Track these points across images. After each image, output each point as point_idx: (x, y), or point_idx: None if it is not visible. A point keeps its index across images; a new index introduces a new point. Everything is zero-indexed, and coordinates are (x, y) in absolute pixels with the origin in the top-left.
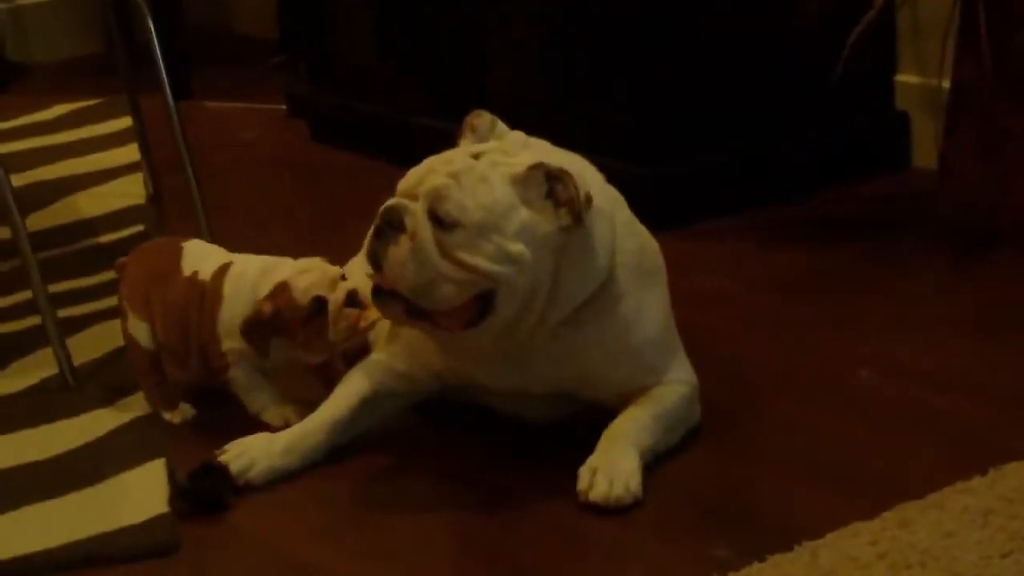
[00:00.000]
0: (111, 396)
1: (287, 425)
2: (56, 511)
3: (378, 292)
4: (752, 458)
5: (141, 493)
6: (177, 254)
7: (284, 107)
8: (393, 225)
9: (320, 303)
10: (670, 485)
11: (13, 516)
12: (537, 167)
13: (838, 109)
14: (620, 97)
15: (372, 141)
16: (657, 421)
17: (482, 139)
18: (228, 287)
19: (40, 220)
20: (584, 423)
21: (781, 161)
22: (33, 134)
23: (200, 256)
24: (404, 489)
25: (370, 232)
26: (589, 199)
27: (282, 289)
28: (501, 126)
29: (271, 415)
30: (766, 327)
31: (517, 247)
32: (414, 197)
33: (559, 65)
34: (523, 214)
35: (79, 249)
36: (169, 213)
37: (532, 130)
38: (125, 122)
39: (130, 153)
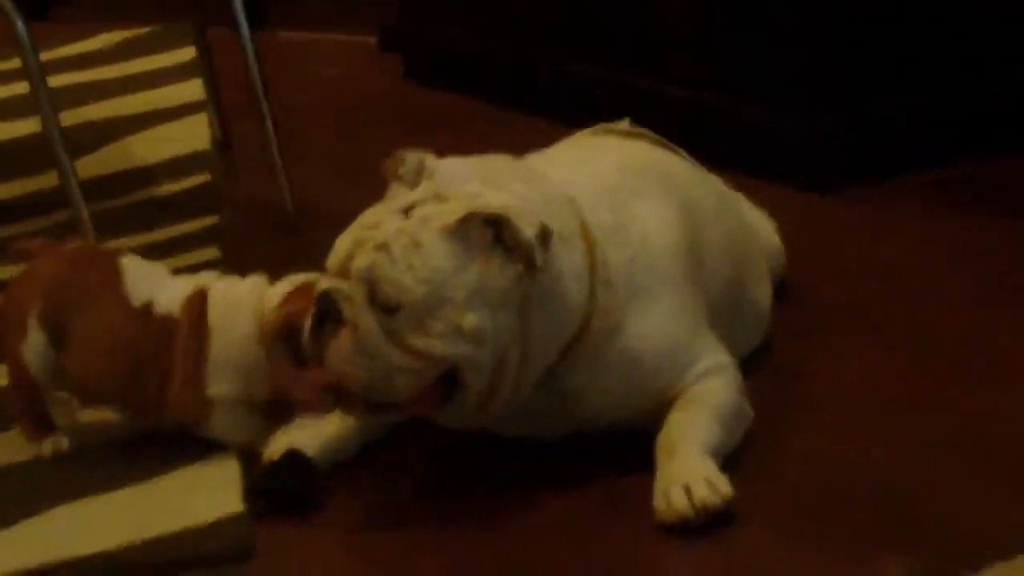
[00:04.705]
0: None
1: None
2: (115, 506)
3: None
4: (938, 456)
5: (212, 488)
6: (114, 274)
7: (374, 39)
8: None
9: None
10: (839, 486)
11: (67, 511)
12: (470, 217)
13: None
14: (796, 28)
15: (482, 81)
16: (712, 417)
17: (412, 184)
18: (216, 316)
19: (87, 167)
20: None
21: (992, 106)
22: (79, 66)
23: (148, 282)
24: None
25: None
26: (546, 233)
27: (302, 290)
28: (431, 162)
29: (270, 450)
30: (971, 307)
31: (471, 319)
32: (347, 275)
33: None
34: (470, 274)
35: (133, 202)
36: (239, 162)
37: (689, 73)
38: (188, 53)
39: (193, 90)
